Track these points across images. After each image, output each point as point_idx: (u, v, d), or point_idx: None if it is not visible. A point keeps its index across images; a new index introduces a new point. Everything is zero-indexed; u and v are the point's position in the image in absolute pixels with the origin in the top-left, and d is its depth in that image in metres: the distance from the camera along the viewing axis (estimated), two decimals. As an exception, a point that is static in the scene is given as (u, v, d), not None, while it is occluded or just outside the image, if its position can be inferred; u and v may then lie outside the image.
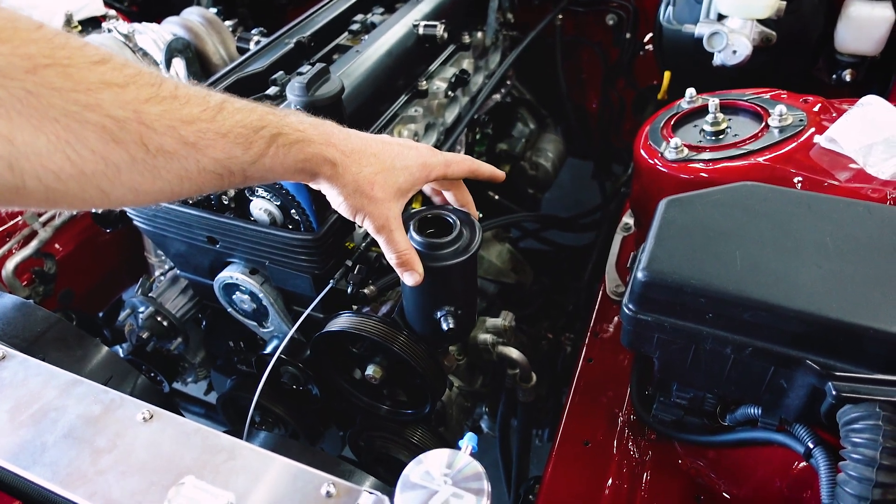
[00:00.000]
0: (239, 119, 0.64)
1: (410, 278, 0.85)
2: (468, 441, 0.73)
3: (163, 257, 1.46)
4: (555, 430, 1.55)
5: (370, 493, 0.72)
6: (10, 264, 1.39)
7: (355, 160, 0.78)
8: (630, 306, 0.83)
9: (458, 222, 0.88)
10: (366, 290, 1.08)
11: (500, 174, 0.94)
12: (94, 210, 1.23)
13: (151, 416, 0.82)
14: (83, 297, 1.65)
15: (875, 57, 1.41)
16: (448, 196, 0.93)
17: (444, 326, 0.92)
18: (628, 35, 1.75)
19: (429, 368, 1.01)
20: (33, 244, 1.43)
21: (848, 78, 1.43)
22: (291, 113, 0.74)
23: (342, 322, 1.02)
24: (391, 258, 0.84)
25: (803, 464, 0.84)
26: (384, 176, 0.80)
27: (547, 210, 2.05)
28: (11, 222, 1.51)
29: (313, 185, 0.80)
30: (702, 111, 1.10)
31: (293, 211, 0.99)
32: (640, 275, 0.80)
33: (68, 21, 1.55)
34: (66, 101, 0.52)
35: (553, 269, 1.89)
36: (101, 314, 1.73)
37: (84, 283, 1.63)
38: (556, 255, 2.04)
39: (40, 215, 1.48)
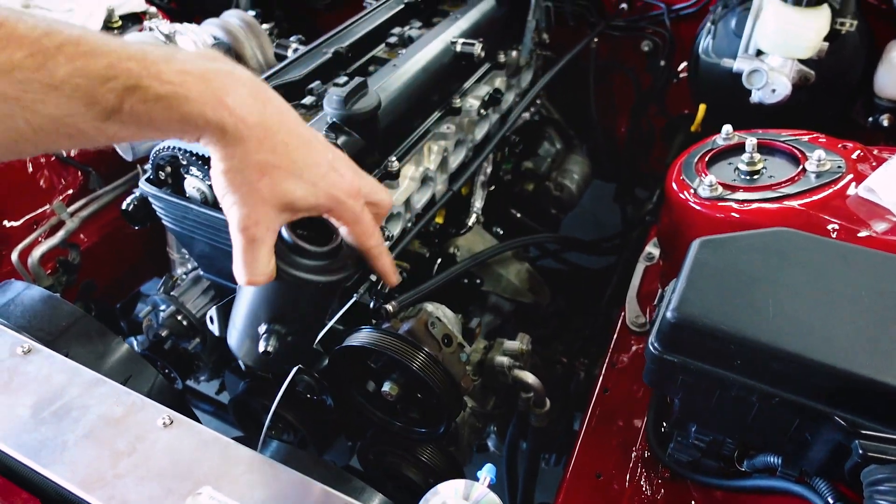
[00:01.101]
0: (79, 66, 0.51)
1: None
2: (486, 473, 0.73)
3: (185, 255, 1.47)
4: (562, 455, 1.55)
5: (384, 517, 0.73)
6: (37, 253, 1.41)
7: (256, 136, 0.61)
8: (656, 345, 0.82)
9: (339, 239, 0.73)
10: (388, 306, 1.08)
11: (392, 280, 0.82)
12: (123, 207, 1.24)
13: (172, 422, 0.83)
14: (103, 288, 1.67)
15: (914, 104, 1.40)
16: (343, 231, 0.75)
17: (262, 346, 0.77)
18: (663, 63, 1.75)
19: (446, 390, 1.01)
20: (60, 234, 1.45)
21: (886, 123, 1.41)
22: (176, 57, 0.57)
23: (363, 337, 1.02)
24: (239, 274, 0.68)
25: (821, 518, 0.83)
26: (282, 176, 0.64)
27: (565, 229, 2.05)
28: (40, 210, 1.54)
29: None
30: (737, 149, 1.09)
31: (322, 223, 1.00)
32: (669, 315, 0.79)
33: (109, 16, 1.57)
34: None
35: (569, 291, 1.88)
36: (118, 305, 1.75)
37: (105, 275, 1.65)
38: (572, 275, 2.04)
39: (69, 205, 1.50)
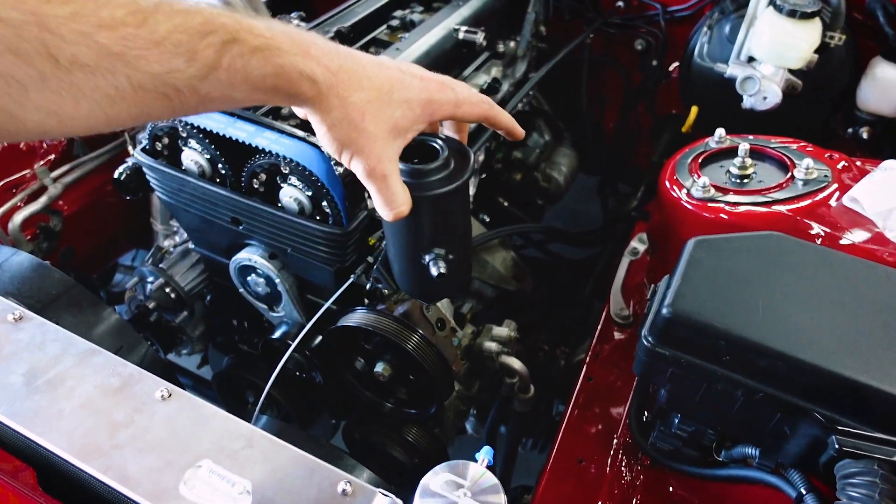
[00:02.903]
0: (178, 23, 0.52)
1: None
2: (484, 454, 0.76)
3: (173, 227, 1.45)
4: (540, 440, 1.59)
5: (385, 495, 0.74)
6: (18, 218, 1.37)
7: (343, 80, 0.64)
8: (649, 338, 0.85)
9: (447, 148, 0.76)
10: (384, 288, 1.09)
11: (520, 131, 0.82)
12: (115, 176, 1.22)
13: (170, 395, 0.83)
14: (82, 257, 1.64)
15: (893, 119, 1.45)
16: (444, 127, 0.80)
17: (434, 271, 0.80)
18: (655, 62, 1.77)
19: (440, 372, 1.03)
20: (42, 199, 1.41)
21: (865, 135, 1.47)
22: (260, 17, 0.61)
23: (358, 318, 1.04)
24: (385, 212, 0.71)
25: (792, 507, 0.88)
26: (378, 106, 0.67)
27: (545, 219, 2.07)
28: (19, 174, 1.49)
29: (297, 111, 0.68)
30: (729, 152, 1.13)
31: (324, 203, 1.00)
32: (664, 311, 0.82)
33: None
34: None
35: (550, 280, 1.91)
36: (94, 276, 1.72)
37: (85, 243, 1.62)
38: (554, 265, 2.07)
39: (52, 170, 1.46)
